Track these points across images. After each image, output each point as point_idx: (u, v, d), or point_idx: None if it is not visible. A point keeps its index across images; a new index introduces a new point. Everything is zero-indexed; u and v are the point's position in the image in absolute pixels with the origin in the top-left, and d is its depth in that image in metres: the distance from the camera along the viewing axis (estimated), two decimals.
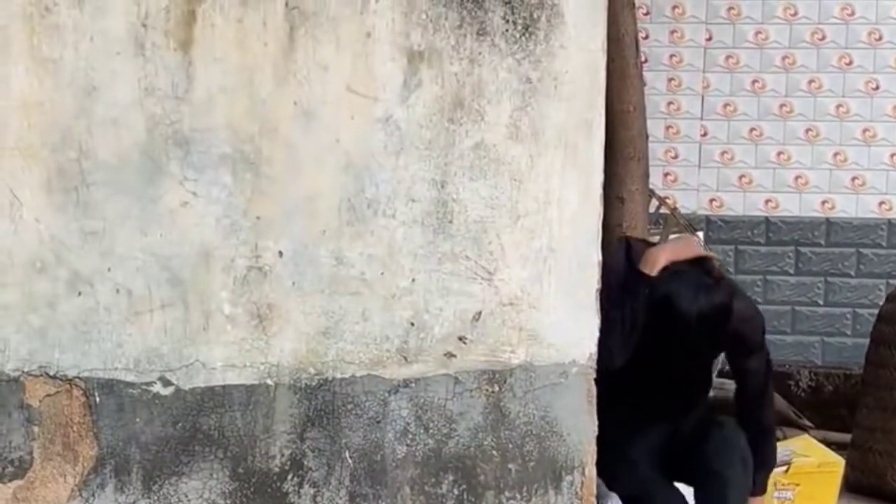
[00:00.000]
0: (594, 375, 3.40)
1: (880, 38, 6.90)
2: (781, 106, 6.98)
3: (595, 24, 3.27)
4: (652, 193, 6.67)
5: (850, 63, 6.90)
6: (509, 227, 3.27)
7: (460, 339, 3.27)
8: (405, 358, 3.25)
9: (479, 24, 3.21)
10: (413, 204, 3.22)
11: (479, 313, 3.28)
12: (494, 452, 3.32)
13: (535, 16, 3.22)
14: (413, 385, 3.27)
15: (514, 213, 3.27)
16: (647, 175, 5.01)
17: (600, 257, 3.37)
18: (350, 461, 3.23)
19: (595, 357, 3.38)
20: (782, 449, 4.98)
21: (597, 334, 3.37)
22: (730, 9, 6.97)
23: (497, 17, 3.21)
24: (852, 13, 6.92)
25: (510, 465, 3.34)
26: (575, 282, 3.33)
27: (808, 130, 6.97)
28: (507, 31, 3.22)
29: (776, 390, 6.42)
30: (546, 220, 3.29)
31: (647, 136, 4.96)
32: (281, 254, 3.15)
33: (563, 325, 3.33)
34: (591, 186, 3.33)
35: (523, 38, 3.23)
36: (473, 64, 3.21)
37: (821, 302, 7.03)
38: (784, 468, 4.81)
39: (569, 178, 3.30)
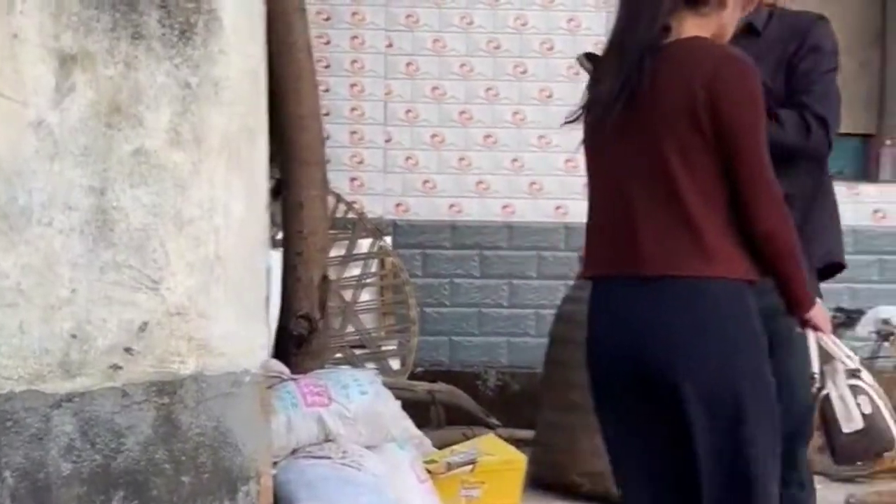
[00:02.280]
0: (267, 384, 3.38)
1: (552, 48, 7.16)
2: (461, 113, 7.13)
3: (254, 30, 3.24)
4: (339, 199, 6.72)
5: (525, 72, 7.12)
6: (174, 234, 3.21)
7: (126, 350, 3.19)
8: (68, 371, 3.14)
9: (135, 28, 3.13)
10: (71, 212, 3.11)
11: (146, 323, 3.20)
12: (167, 465, 3.25)
13: (192, 20, 3.17)
14: (77, 399, 3.15)
15: (179, 220, 3.21)
16: (326, 180, 5.02)
17: (269, 264, 3.35)
18: (10, 481, 3.10)
19: (266, 365, 3.36)
20: (468, 449, 5.08)
21: (267, 343, 3.35)
22: (408, 16, 7.08)
23: (153, 20, 3.14)
24: (525, 23, 7.14)
25: (184, 478, 3.27)
26: (244, 290, 3.29)
27: (487, 137, 7.15)
28: (164, 35, 3.16)
29: (466, 391, 6.57)
30: (212, 228, 3.24)
31: (324, 141, 4.97)
32: None
33: (233, 334, 3.29)
34: (257, 193, 3.30)
35: (181, 43, 3.17)
36: (130, 68, 3.13)
37: (505, 304, 7.22)
38: (470, 467, 4.90)
39: (234, 184, 3.26)
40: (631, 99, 2.92)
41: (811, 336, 3.18)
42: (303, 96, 4.73)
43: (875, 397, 3.17)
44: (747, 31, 3.74)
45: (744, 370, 2.95)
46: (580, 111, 3.11)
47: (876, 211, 7.10)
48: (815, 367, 3.19)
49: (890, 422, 3.16)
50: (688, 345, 2.91)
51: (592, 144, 3.08)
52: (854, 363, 3.20)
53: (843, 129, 3.95)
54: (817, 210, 3.85)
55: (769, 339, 3.61)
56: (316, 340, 4.89)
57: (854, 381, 3.18)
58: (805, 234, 3.75)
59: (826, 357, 3.24)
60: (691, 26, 2.98)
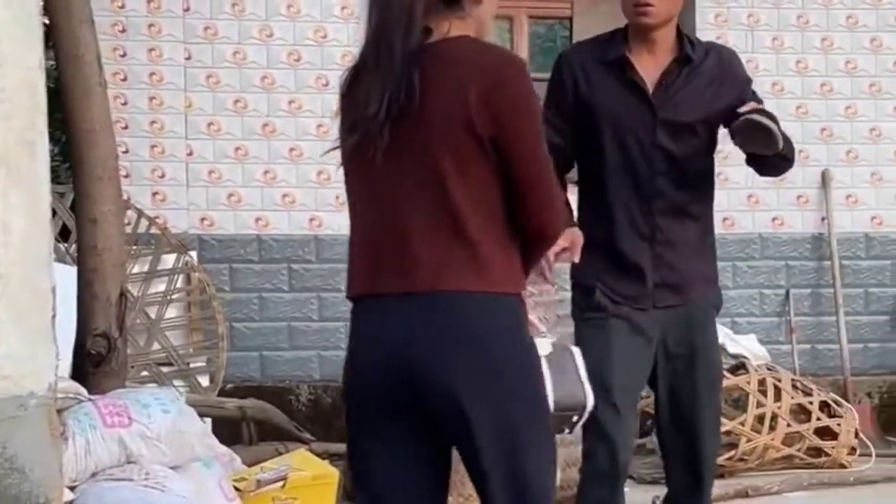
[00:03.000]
0: (57, 406, 3.27)
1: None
2: (264, 125, 7.07)
3: (31, 41, 3.14)
4: (140, 214, 6.58)
5: (327, 84, 7.09)
6: None
7: None
8: None
9: None
10: None
11: None
12: None
13: None
14: None
15: None
16: (120, 194, 4.91)
17: (54, 283, 3.24)
18: None
19: (55, 387, 3.25)
20: (279, 465, 5.02)
21: (55, 363, 3.24)
22: (206, 28, 6.99)
23: None
24: (325, 35, 7.12)
25: None
26: (28, 309, 3.18)
27: (291, 149, 7.10)
28: None
29: (278, 407, 6.49)
30: None
31: (118, 155, 4.86)
32: None
33: (17, 356, 3.17)
34: (40, 210, 3.19)
35: None
36: None
37: (315, 317, 7.17)
38: (281, 483, 4.85)
39: (13, 201, 3.14)
40: (400, 113, 2.74)
41: None
42: (93, 110, 4.62)
43: None
44: (682, 59, 3.83)
45: (518, 384, 2.81)
46: (345, 135, 2.84)
47: None
48: None
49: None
50: (461, 360, 2.76)
51: (358, 165, 2.84)
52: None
53: None
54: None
55: (689, 352, 3.87)
56: (115, 359, 4.77)
57: None
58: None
59: None
60: (453, 27, 2.81)
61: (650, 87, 3.81)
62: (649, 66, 3.82)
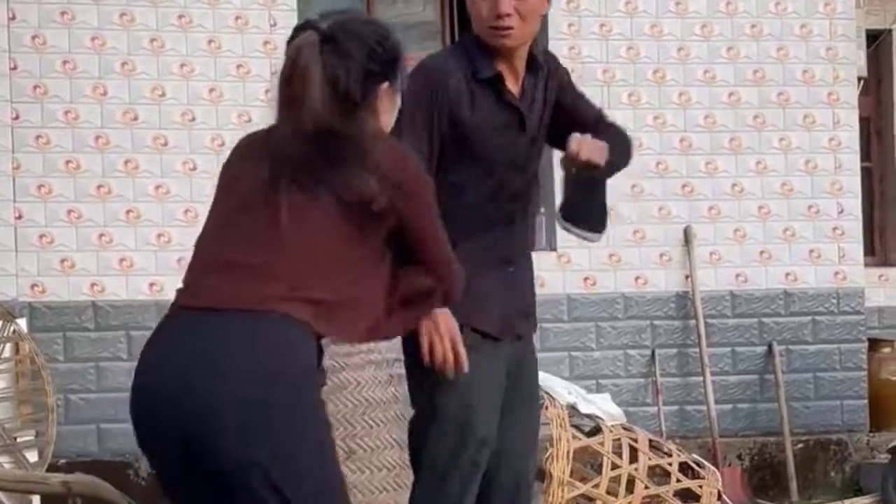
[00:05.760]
0: None
1: (193, 119, 6.94)
2: (99, 187, 6.81)
3: None
4: None
5: (166, 144, 6.87)
6: None
7: None
8: None
9: None
10: None
11: None
12: None
13: None
14: None
15: None
16: None
17: None
18: None
19: None
20: None
21: None
22: (36, 87, 6.76)
23: None
24: (163, 94, 6.90)
25: None
26: None
27: (128, 211, 6.85)
28: None
29: (116, 482, 6.16)
30: None
31: None
32: None
33: None
34: None
35: None
36: None
37: None
38: None
39: None
40: None
41: None
42: None
43: None
44: (534, 68, 3.56)
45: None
46: None
47: None
48: None
49: None
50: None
51: None
52: None
53: None
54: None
55: (527, 394, 3.64)
56: None
57: None
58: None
59: None
60: None
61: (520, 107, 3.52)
62: (511, 82, 3.51)
